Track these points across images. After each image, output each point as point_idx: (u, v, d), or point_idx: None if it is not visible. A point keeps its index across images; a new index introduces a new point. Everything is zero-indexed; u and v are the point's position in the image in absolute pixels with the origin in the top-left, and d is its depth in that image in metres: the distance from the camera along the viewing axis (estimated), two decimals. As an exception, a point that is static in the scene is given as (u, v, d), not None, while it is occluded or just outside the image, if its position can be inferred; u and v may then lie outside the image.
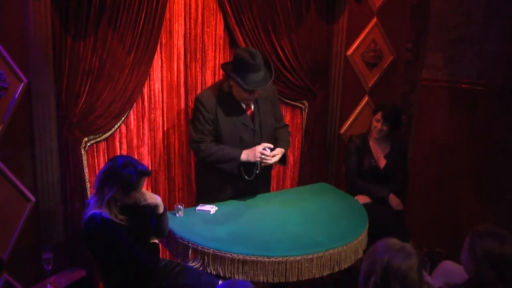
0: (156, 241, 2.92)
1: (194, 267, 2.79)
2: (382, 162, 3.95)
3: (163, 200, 2.98)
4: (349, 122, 4.46)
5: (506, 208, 3.83)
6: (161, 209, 2.85)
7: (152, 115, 3.64)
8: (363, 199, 3.83)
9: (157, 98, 3.64)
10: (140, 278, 2.74)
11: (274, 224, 3.04)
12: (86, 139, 3.29)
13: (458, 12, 4.00)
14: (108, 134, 3.42)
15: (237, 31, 3.74)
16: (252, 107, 3.32)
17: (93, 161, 3.42)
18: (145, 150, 3.65)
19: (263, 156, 3.15)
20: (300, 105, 4.22)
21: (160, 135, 3.71)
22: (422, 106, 4.31)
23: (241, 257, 2.70)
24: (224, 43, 3.82)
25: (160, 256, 3.03)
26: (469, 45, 3.99)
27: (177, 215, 3.09)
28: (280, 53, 3.90)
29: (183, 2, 3.59)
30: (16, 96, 2.96)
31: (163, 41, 3.57)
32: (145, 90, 3.57)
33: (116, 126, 3.45)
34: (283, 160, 3.37)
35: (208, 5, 3.67)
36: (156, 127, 3.68)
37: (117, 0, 3.17)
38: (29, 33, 2.94)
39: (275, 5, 3.78)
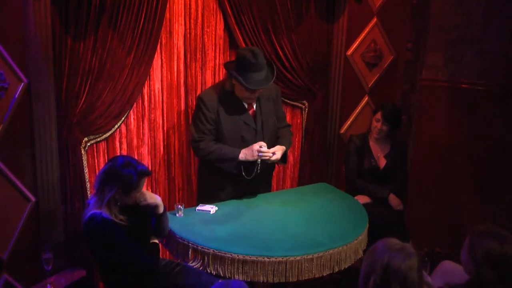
0: (156, 241, 2.92)
1: (194, 267, 2.79)
2: (382, 162, 3.95)
3: (163, 200, 2.98)
4: (349, 122, 4.46)
5: (506, 208, 3.83)
6: (161, 209, 2.85)
7: (152, 115, 3.64)
8: (363, 199, 3.83)
9: (157, 98, 3.64)
10: (140, 278, 2.74)
11: (274, 224, 3.04)
12: (86, 139, 3.29)
13: (458, 12, 4.00)
14: (108, 134, 3.42)
15: (237, 31, 3.74)
16: (254, 107, 3.32)
17: (93, 161, 3.42)
18: (145, 150, 3.65)
19: (260, 154, 3.14)
20: (300, 105, 4.22)
21: (160, 135, 3.71)
22: (422, 106, 4.31)
23: (241, 257, 2.70)
24: (224, 43, 3.82)
25: (160, 256, 3.03)
26: (469, 45, 3.99)
27: (177, 215, 3.09)
28: (280, 53, 3.90)
29: (183, 2, 3.59)
30: (16, 96, 2.96)
31: (163, 41, 3.57)
32: (145, 90, 3.57)
33: (116, 126, 3.45)
34: (283, 158, 3.37)
35: (208, 5, 3.67)
36: (156, 127, 3.68)
37: (117, 0, 3.17)
38: (29, 33, 2.94)
39: (275, 5, 3.78)
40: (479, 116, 4.00)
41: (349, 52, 4.29)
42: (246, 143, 3.24)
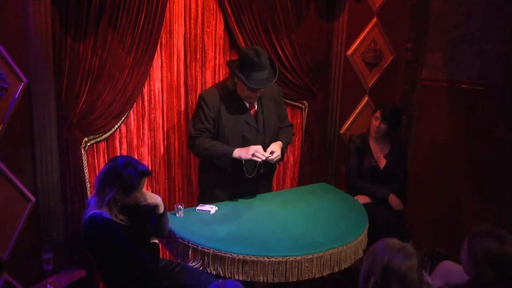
0: (156, 241, 2.92)
1: (194, 267, 2.79)
2: (382, 162, 3.95)
3: (163, 200, 2.97)
4: (349, 122, 4.46)
5: (506, 208, 3.83)
6: (161, 209, 2.85)
7: (152, 115, 3.64)
8: (363, 199, 3.83)
9: (157, 98, 3.64)
10: (140, 278, 2.74)
11: (274, 224, 3.04)
12: (86, 139, 3.29)
13: (458, 12, 4.00)
14: (108, 134, 3.42)
15: (237, 31, 3.74)
16: (256, 106, 3.32)
17: (93, 161, 3.42)
18: (145, 150, 3.65)
19: (256, 153, 3.14)
20: (300, 105, 4.22)
21: (160, 135, 3.71)
22: (422, 106, 4.31)
23: (241, 257, 2.70)
24: (224, 43, 3.82)
25: (160, 256, 3.03)
26: (469, 45, 3.99)
27: (177, 215, 3.09)
28: (280, 53, 3.90)
29: (183, 2, 3.59)
30: (16, 96, 2.96)
31: (163, 41, 3.57)
32: (145, 90, 3.57)
33: (116, 126, 3.45)
34: (281, 154, 3.34)
35: (208, 5, 3.67)
36: (156, 127, 3.68)
37: (117, 0, 3.17)
38: (29, 33, 2.94)
39: (275, 5, 3.78)
40: (479, 116, 4.00)
41: (349, 52, 4.29)
42: (248, 143, 3.24)
